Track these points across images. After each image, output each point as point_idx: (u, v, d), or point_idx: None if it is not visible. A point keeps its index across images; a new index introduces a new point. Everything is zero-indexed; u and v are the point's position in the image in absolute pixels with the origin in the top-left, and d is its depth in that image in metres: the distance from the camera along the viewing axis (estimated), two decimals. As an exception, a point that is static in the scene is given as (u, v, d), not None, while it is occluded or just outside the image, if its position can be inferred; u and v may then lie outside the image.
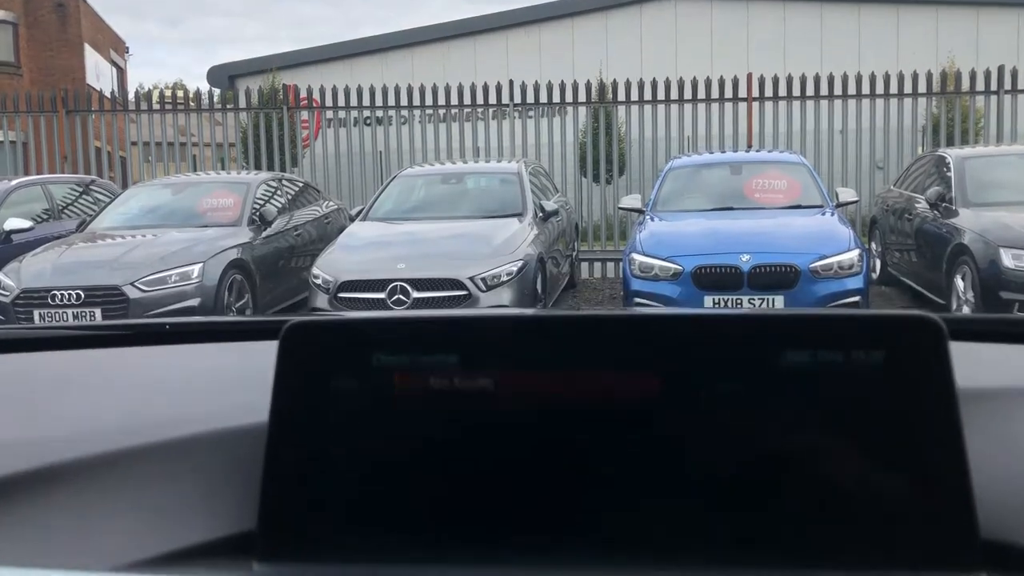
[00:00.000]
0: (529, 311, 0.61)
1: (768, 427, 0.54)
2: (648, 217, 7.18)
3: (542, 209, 7.58)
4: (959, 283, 6.51)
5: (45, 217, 8.76)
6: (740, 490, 0.54)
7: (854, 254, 6.15)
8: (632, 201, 7.84)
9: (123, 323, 1.14)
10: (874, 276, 8.46)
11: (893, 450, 0.53)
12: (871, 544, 0.52)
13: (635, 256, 6.39)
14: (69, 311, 6.27)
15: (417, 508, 0.55)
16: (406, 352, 0.56)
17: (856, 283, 6.10)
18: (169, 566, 0.57)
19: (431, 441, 0.56)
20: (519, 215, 7.34)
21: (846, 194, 7.56)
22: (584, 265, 10.15)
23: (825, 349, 0.54)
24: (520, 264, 6.43)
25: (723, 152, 8.95)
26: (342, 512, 0.55)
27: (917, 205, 7.73)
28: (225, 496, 0.62)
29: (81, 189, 9.55)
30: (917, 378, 0.54)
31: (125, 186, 10.91)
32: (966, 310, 6.36)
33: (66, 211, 9.08)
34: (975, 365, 0.78)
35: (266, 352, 0.59)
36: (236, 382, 0.73)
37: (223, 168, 12.07)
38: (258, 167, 11.36)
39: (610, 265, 10.25)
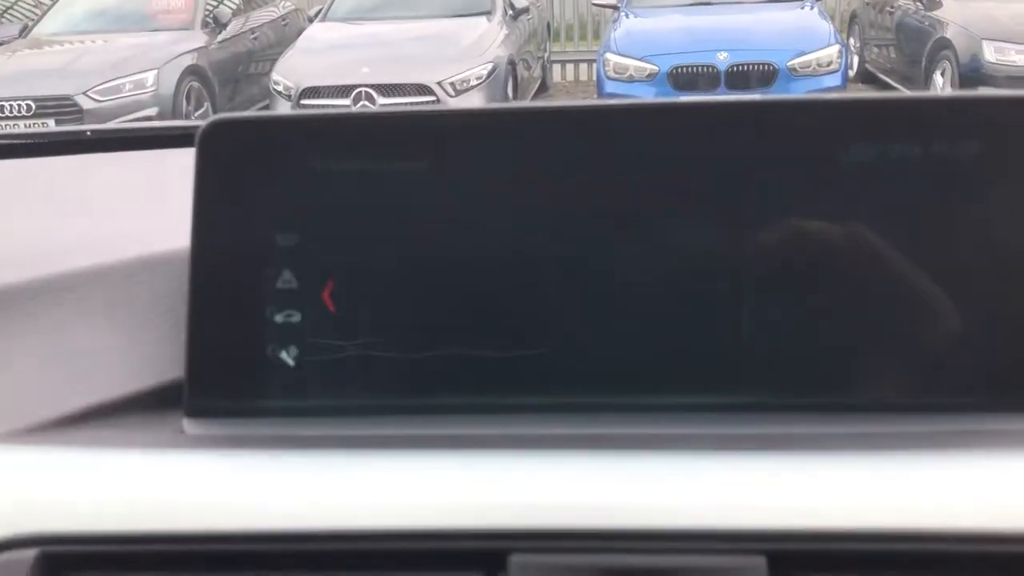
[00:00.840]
0: (519, 103, 0.49)
1: (825, 243, 0.42)
2: (623, 14, 6.90)
3: (512, 6, 7.22)
4: (938, 79, 6.40)
5: (-17, 23, 8.29)
6: (791, 318, 0.43)
7: (833, 50, 6.05)
8: (606, -4, 7.53)
9: (30, 131, 0.99)
10: (851, 73, 8.31)
11: (988, 272, 0.42)
12: (958, 382, 0.42)
13: (609, 56, 6.22)
14: (21, 123, 6.01)
15: (376, 353, 0.44)
16: (361, 158, 0.44)
17: (833, 80, 6.03)
18: (79, 427, 0.45)
19: (392, 271, 0.44)
20: (487, 13, 6.99)
21: (828, -14, 7.31)
22: (556, 67, 9.77)
23: (901, 141, 0.42)
24: (490, 67, 6.22)
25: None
26: (286, 358, 0.45)
27: (901, -3, 7.48)
28: (152, 338, 0.49)
29: (19, -9, 8.99)
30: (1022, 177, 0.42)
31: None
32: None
33: (5, 16, 8.58)
34: None
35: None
36: (174, 197, 0.54)
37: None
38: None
39: (583, 67, 9.86)
